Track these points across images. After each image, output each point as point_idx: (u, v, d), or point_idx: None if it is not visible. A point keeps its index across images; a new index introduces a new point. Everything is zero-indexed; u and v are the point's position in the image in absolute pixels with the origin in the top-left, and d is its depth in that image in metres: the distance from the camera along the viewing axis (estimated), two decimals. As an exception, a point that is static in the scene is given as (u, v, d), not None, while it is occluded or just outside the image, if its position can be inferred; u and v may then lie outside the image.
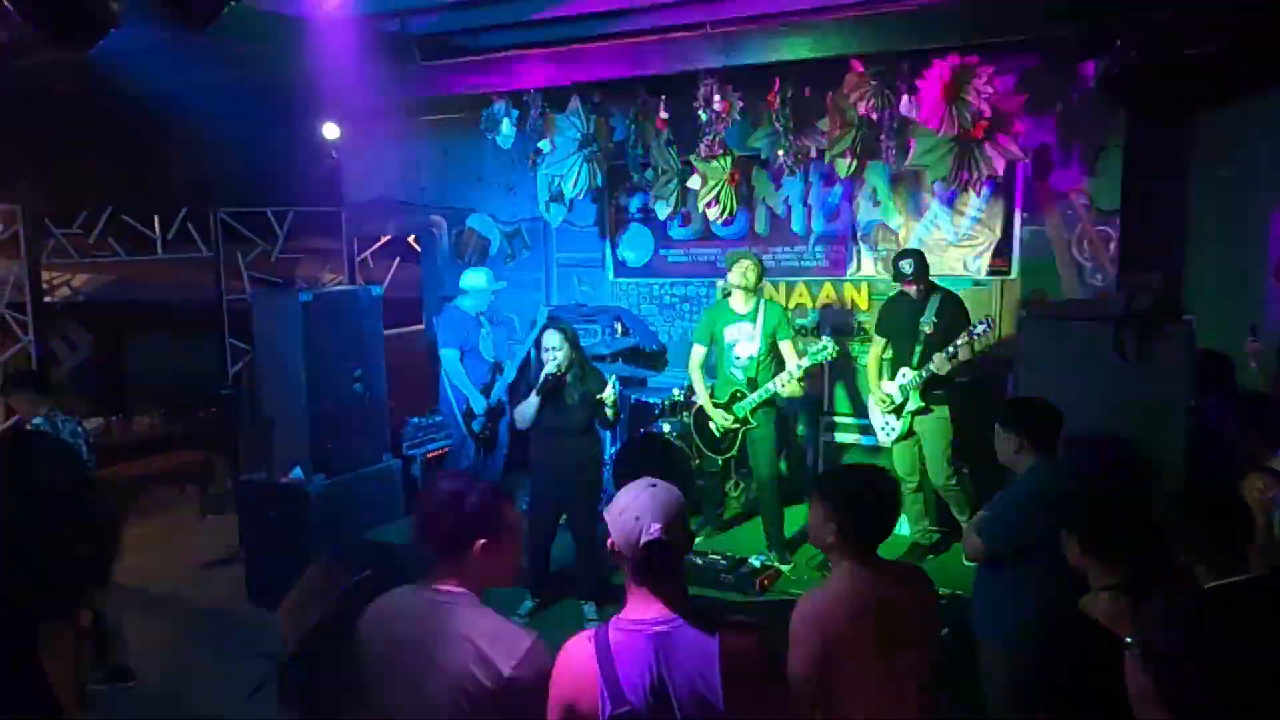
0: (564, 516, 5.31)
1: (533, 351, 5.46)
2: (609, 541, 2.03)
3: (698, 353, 5.57)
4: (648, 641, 1.95)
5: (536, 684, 2.01)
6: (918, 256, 5.33)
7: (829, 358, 5.34)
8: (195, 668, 5.26)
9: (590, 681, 1.94)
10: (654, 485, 2.05)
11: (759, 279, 5.47)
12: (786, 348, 5.39)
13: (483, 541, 2.13)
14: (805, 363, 5.27)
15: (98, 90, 5.99)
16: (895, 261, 5.37)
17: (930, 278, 5.39)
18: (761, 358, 5.39)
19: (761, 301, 5.50)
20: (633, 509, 1.99)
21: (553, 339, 5.10)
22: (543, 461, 5.25)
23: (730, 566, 5.22)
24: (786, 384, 5.30)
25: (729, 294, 5.62)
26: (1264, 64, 5.33)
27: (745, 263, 5.42)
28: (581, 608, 5.27)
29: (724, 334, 5.43)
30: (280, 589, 5.38)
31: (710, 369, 5.78)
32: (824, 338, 5.39)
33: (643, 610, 2.00)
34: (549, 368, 5.05)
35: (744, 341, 5.40)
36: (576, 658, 2.00)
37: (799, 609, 2.44)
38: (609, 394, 5.06)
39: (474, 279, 6.43)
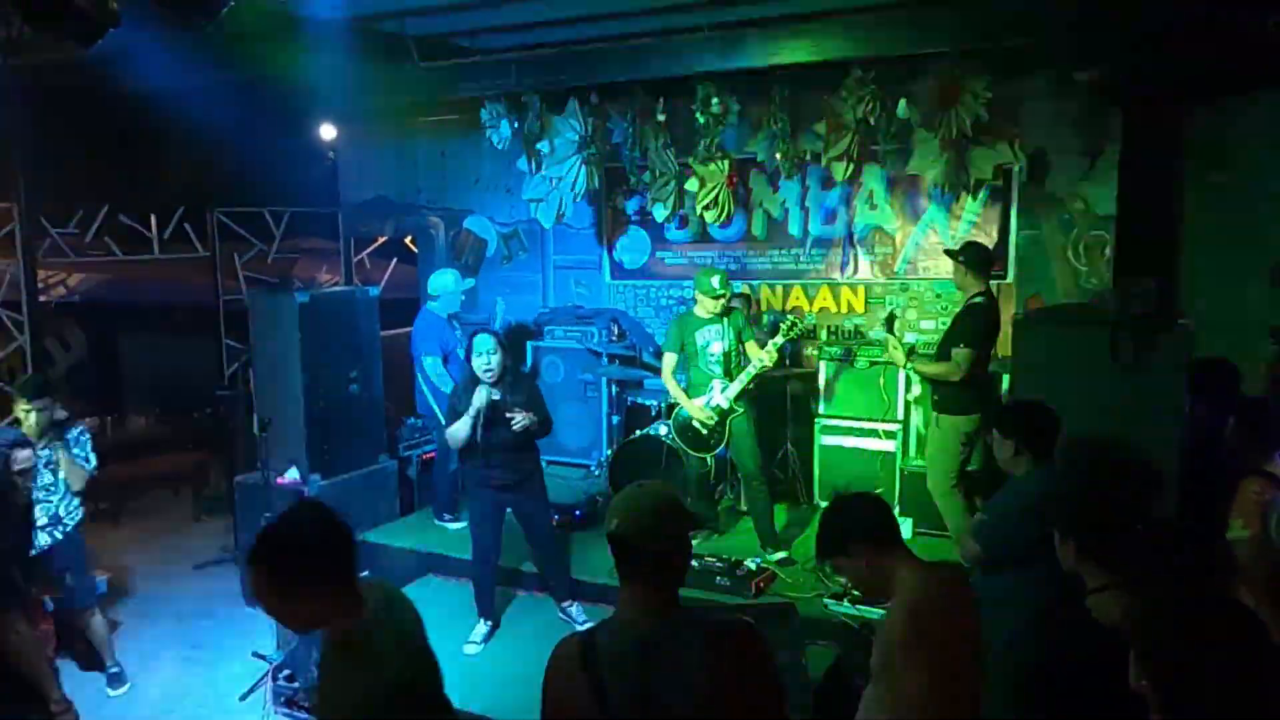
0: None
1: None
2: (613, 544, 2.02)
3: (669, 360, 5.68)
4: (633, 645, 1.93)
5: None
6: (969, 244, 5.38)
7: (799, 333, 5.51)
8: (189, 669, 5.25)
9: (577, 684, 1.94)
10: (639, 485, 2.06)
11: (725, 306, 5.54)
12: (751, 347, 5.56)
13: None
14: (779, 339, 5.41)
15: (95, 89, 5.98)
16: None
17: (984, 278, 5.22)
18: (732, 351, 5.56)
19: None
20: (634, 510, 2.00)
21: (486, 343, 4.78)
22: (480, 484, 4.98)
23: (726, 569, 5.23)
24: (762, 363, 5.44)
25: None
26: (1256, 69, 5.36)
27: (716, 304, 5.45)
28: (568, 610, 5.28)
29: (696, 338, 5.57)
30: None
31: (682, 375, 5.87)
32: (789, 315, 5.53)
33: (630, 611, 1.99)
34: (487, 393, 4.72)
35: (716, 341, 5.56)
36: (565, 659, 2.00)
37: (891, 639, 2.31)
38: (520, 420, 4.73)
39: (442, 281, 6.34)
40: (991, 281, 6.39)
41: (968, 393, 5.09)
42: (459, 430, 4.80)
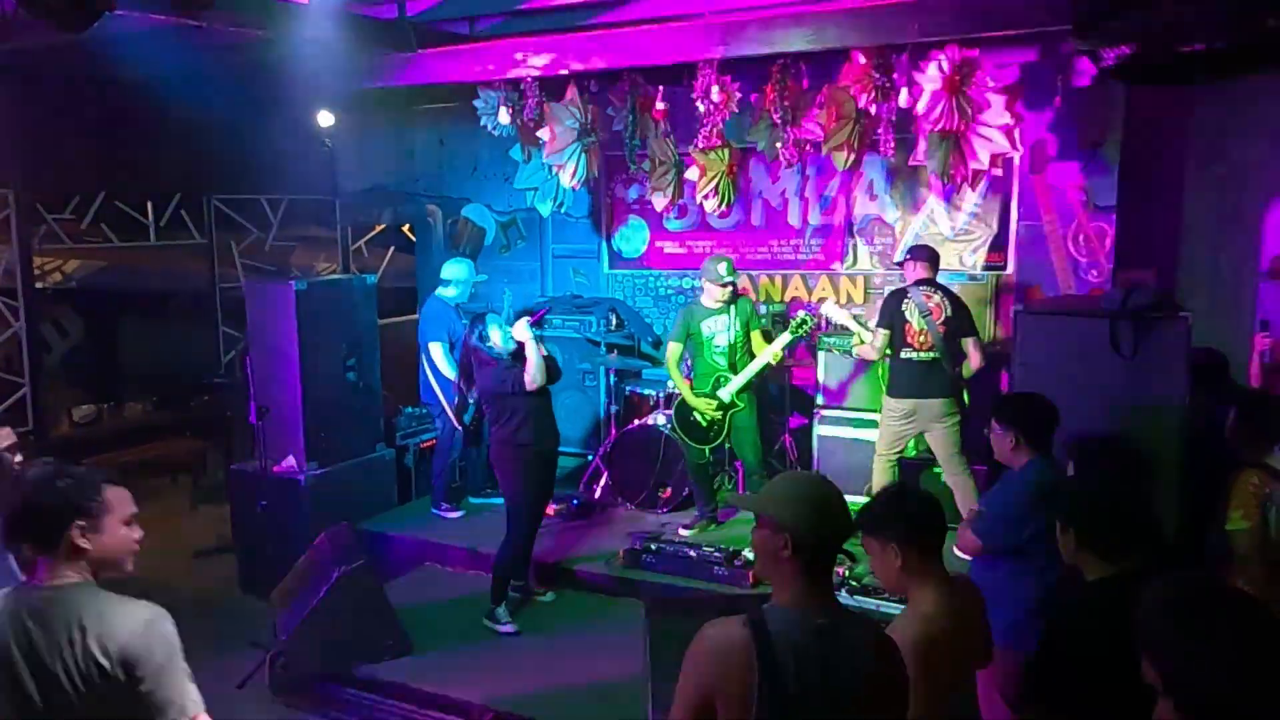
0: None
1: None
2: (784, 536, 2.00)
3: (674, 350, 5.68)
4: (810, 632, 1.96)
5: None
6: (913, 247, 5.70)
7: (809, 330, 5.60)
8: (186, 657, 5.24)
9: (745, 667, 1.91)
10: (825, 479, 2.13)
11: (732, 293, 5.58)
12: (756, 337, 5.60)
13: None
14: (787, 337, 5.47)
15: (91, 74, 5.94)
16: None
17: (923, 267, 5.47)
18: (739, 344, 5.58)
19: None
20: (823, 504, 2.04)
21: (497, 320, 5.09)
22: (532, 454, 5.03)
23: (725, 560, 5.23)
24: (769, 359, 5.51)
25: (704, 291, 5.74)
26: (1259, 59, 5.33)
27: (724, 292, 5.52)
28: (535, 589, 5.38)
29: (701, 329, 5.59)
30: (272, 579, 5.41)
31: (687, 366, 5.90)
32: (801, 312, 5.55)
33: (801, 600, 2.01)
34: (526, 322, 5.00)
35: (721, 332, 5.58)
36: (728, 642, 1.95)
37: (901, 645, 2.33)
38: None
39: (455, 270, 6.39)
40: (991, 272, 6.46)
41: (898, 375, 5.40)
42: (535, 361, 4.85)
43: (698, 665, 1.97)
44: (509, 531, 5.07)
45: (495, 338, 5.01)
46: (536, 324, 5.00)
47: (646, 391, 6.90)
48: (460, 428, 6.31)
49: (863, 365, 6.25)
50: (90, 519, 2.13)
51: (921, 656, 2.27)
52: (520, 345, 4.95)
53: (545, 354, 5.03)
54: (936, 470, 5.47)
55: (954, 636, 2.36)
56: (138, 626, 2.11)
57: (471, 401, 6.27)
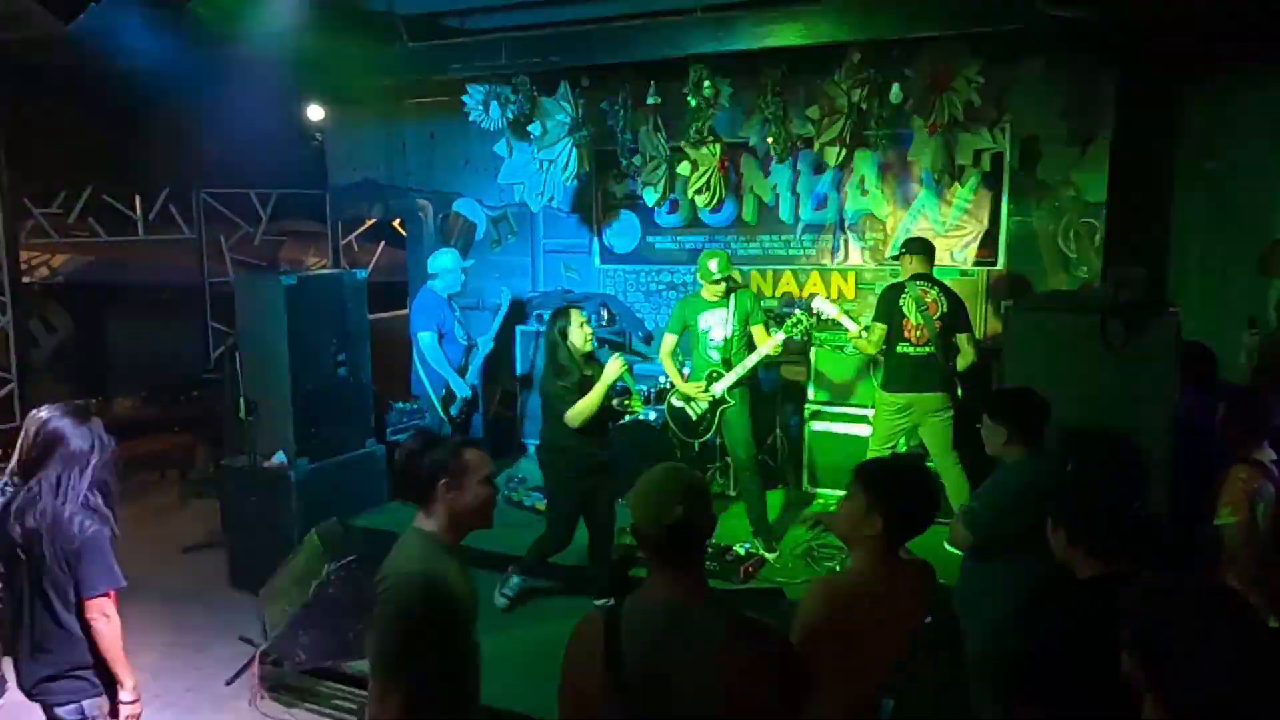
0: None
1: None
2: (631, 524, 2.06)
3: (669, 341, 5.65)
4: (657, 621, 1.96)
5: None
6: (910, 239, 5.66)
7: (805, 330, 5.51)
8: (175, 653, 5.22)
9: (596, 655, 1.96)
10: (679, 468, 2.11)
11: (727, 287, 5.54)
12: (758, 331, 5.51)
13: None
14: (781, 336, 5.38)
15: (79, 68, 5.89)
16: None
17: (919, 262, 5.47)
18: (735, 338, 5.50)
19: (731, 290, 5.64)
20: (657, 490, 2.03)
21: (580, 317, 4.84)
22: (580, 467, 4.89)
23: (714, 554, 5.23)
24: (762, 357, 5.44)
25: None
26: (1248, 52, 5.37)
27: (717, 288, 5.47)
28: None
29: (698, 321, 5.53)
30: (262, 574, 5.39)
31: (684, 357, 5.88)
32: (797, 310, 5.51)
33: (660, 591, 2.01)
34: (624, 359, 4.78)
35: (718, 326, 5.52)
36: (588, 631, 2.03)
37: (817, 591, 2.49)
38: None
39: (442, 260, 6.39)
40: (982, 268, 6.47)
41: (890, 370, 5.43)
42: (591, 403, 4.69)
43: (567, 657, 2.06)
44: (546, 528, 5.07)
45: (576, 338, 4.76)
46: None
47: (638, 387, 6.88)
48: (448, 420, 6.29)
49: (855, 360, 6.26)
50: (453, 477, 2.46)
51: (823, 609, 2.39)
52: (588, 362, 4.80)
53: (618, 404, 4.92)
54: (929, 464, 5.48)
55: (882, 610, 2.41)
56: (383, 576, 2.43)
57: (460, 397, 6.27)
